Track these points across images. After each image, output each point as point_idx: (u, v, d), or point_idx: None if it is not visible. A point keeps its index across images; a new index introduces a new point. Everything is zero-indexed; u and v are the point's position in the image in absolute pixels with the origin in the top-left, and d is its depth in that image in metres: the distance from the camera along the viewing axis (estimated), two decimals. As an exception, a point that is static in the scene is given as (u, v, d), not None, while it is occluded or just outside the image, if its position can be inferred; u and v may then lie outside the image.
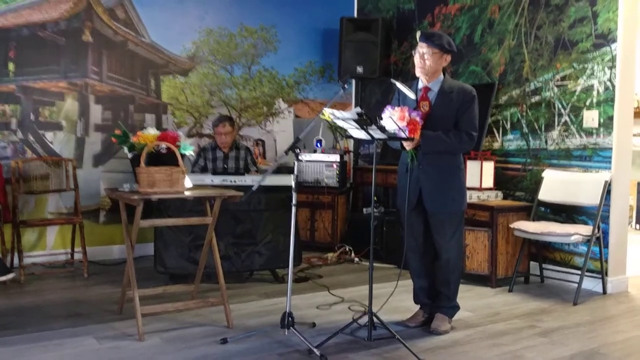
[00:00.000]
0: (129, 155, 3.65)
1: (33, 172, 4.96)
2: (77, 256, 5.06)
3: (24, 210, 5.00)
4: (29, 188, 4.94)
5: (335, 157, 5.96)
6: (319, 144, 6.08)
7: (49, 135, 5.23)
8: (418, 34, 3.55)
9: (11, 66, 5.05)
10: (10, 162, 4.92)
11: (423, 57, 3.49)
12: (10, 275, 4.32)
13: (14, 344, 3.27)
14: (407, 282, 3.83)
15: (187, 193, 3.51)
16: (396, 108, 3.35)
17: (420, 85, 3.58)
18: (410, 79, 3.65)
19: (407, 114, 3.30)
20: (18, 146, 5.09)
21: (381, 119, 3.35)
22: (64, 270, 4.96)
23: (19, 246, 4.69)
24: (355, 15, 6.74)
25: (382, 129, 3.30)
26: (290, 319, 3.28)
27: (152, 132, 3.57)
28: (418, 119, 3.34)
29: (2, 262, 4.41)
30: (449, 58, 3.55)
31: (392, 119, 3.28)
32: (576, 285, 4.35)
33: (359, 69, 6.11)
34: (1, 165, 4.82)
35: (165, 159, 3.49)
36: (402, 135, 3.30)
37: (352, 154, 6.58)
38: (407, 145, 3.46)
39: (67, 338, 3.39)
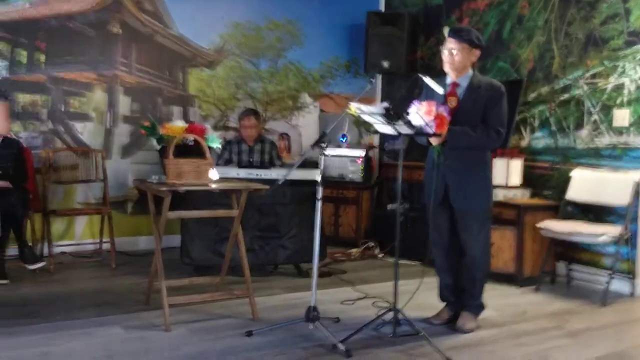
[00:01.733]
0: (157, 147, 3.68)
1: (63, 162, 5.03)
2: (105, 246, 5.13)
3: (53, 199, 5.08)
4: (59, 178, 5.01)
5: (360, 153, 5.95)
6: (344, 139, 6.07)
7: (78, 126, 5.29)
8: (446, 30, 3.54)
9: (42, 57, 5.12)
10: (41, 152, 5.00)
11: (452, 52, 3.46)
12: (40, 264, 4.41)
13: (43, 332, 3.33)
14: (432, 279, 3.81)
15: (213, 185, 3.53)
16: (423, 103, 3.34)
17: (449, 80, 3.56)
18: (436, 75, 3.62)
19: (434, 109, 3.28)
20: (48, 136, 5.16)
21: (408, 113, 3.34)
22: (92, 260, 5.04)
23: (48, 235, 4.76)
24: (382, 9, 6.71)
25: (409, 124, 3.28)
26: (315, 313, 3.29)
27: (180, 124, 3.60)
28: (445, 114, 3.32)
29: (32, 251, 4.49)
30: (478, 53, 3.52)
31: (419, 114, 3.27)
32: (604, 286, 4.30)
33: (385, 64, 6.08)
34: (32, 154, 4.89)
35: (192, 151, 3.52)
36: (429, 130, 3.29)
37: (377, 149, 6.56)
38: (434, 141, 3.44)
39: (95, 327, 3.44)
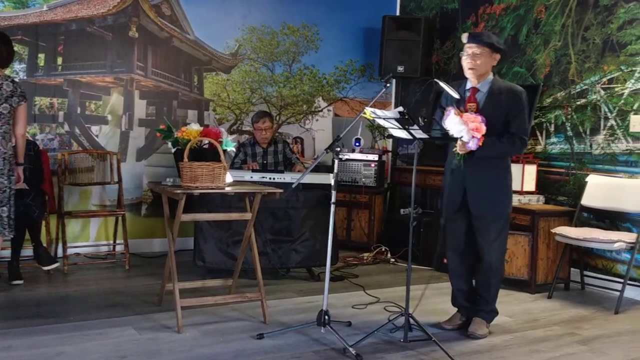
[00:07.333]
0: (172, 150, 3.71)
1: (78, 164, 5.09)
2: (119, 248, 5.18)
3: (68, 201, 5.13)
4: (74, 180, 5.07)
5: (374, 157, 5.95)
6: (357, 143, 6.07)
7: (94, 129, 5.35)
8: (464, 36, 3.49)
9: (59, 60, 5.18)
10: (57, 154, 5.06)
11: (474, 56, 3.42)
12: (54, 265, 4.46)
13: (57, 332, 3.36)
14: (445, 285, 3.80)
15: (227, 189, 3.55)
16: (469, 115, 3.29)
17: (469, 85, 3.52)
18: (451, 79, 3.63)
19: (483, 126, 3.24)
20: (65, 139, 5.22)
21: (424, 119, 3.34)
22: (106, 262, 5.08)
23: (63, 237, 4.81)
24: (398, 14, 6.71)
25: (444, 133, 3.28)
26: (326, 316, 3.29)
27: (195, 127, 3.62)
28: (484, 127, 3.29)
29: (47, 252, 4.54)
30: (498, 57, 3.49)
31: (463, 126, 3.22)
32: (618, 293, 4.25)
33: (400, 68, 6.08)
34: (48, 156, 4.95)
35: (207, 154, 3.54)
36: (471, 146, 3.26)
37: (390, 153, 6.55)
38: (461, 149, 3.39)
39: (108, 328, 3.46)
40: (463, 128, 3.25)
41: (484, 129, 3.26)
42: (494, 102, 3.43)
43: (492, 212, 3.49)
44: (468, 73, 3.48)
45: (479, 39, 3.44)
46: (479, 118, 3.28)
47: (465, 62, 3.47)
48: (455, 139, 3.40)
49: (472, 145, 3.27)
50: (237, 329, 3.53)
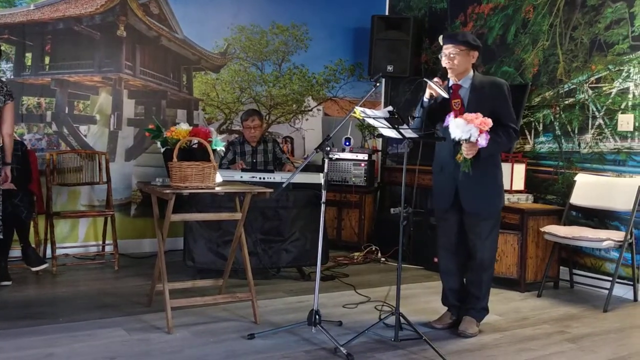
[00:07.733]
0: (162, 150, 3.69)
1: (67, 164, 5.05)
2: (108, 248, 5.16)
3: (57, 202, 5.09)
4: (63, 180, 5.03)
5: (364, 156, 5.96)
6: (347, 143, 6.07)
7: (82, 129, 5.31)
8: (440, 38, 3.55)
9: (47, 59, 5.14)
10: (45, 154, 5.02)
11: (450, 57, 3.46)
12: (43, 266, 4.42)
13: (46, 333, 3.34)
14: (435, 284, 3.82)
15: (217, 188, 3.53)
16: (469, 114, 3.26)
17: (450, 83, 3.55)
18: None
19: (487, 119, 3.22)
20: (53, 139, 5.18)
21: (413, 118, 3.36)
22: (95, 262, 5.04)
23: (52, 237, 4.77)
24: (387, 13, 6.72)
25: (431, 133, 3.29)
26: (317, 316, 3.29)
27: (184, 127, 3.61)
28: (489, 119, 3.28)
29: (36, 253, 4.50)
30: (476, 54, 3.52)
31: (470, 125, 3.21)
32: (606, 291, 4.28)
33: (390, 68, 6.09)
34: (36, 157, 4.91)
35: (196, 154, 3.53)
36: (482, 143, 3.24)
37: (380, 153, 6.56)
38: (469, 153, 3.35)
39: (97, 329, 3.44)
40: (471, 127, 3.22)
41: (490, 121, 3.25)
42: (477, 96, 3.46)
43: (485, 209, 3.50)
44: (448, 73, 3.52)
45: (454, 39, 3.48)
46: (480, 114, 3.27)
47: (444, 63, 3.51)
48: (443, 138, 3.41)
49: (483, 142, 3.26)
50: (227, 329, 3.52)
